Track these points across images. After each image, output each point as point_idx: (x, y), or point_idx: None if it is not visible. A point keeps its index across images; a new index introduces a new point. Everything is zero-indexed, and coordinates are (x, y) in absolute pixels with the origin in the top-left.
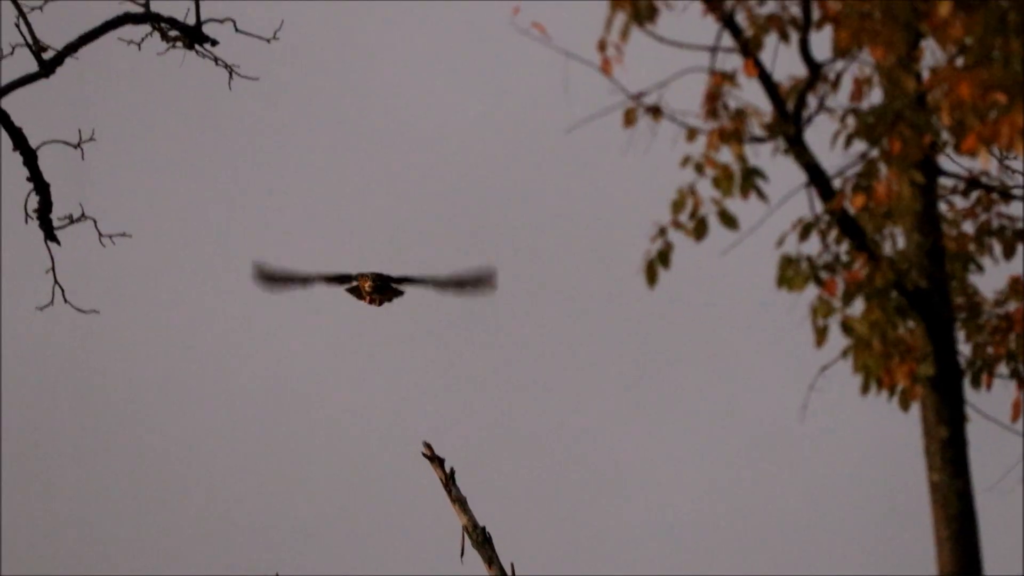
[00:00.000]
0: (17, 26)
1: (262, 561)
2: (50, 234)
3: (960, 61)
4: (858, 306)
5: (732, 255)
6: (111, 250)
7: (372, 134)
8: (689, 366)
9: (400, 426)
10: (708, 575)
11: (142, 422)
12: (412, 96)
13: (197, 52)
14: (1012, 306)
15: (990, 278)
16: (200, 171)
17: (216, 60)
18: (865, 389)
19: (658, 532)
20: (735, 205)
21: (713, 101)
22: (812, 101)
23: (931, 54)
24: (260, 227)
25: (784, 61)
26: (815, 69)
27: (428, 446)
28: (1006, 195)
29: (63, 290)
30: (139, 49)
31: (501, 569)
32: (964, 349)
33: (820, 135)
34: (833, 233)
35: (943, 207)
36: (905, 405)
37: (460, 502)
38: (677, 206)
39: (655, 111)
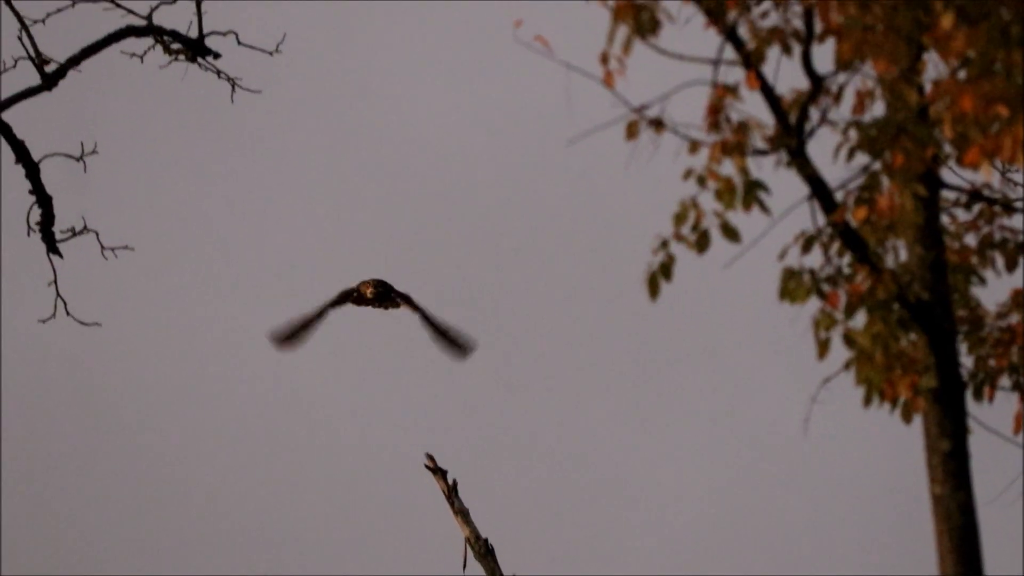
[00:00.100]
0: (19, 39)
1: (264, 573)
2: (52, 247)
3: (962, 74)
4: (860, 319)
5: (734, 268)
6: (113, 263)
7: (374, 146)
8: (692, 379)
9: (402, 438)
10: None
11: (144, 434)
12: (414, 109)
13: (199, 65)
14: (1014, 319)
15: (992, 291)
16: (202, 184)
17: (218, 73)
18: (867, 401)
19: (661, 545)
20: (737, 218)
21: (715, 114)
22: (814, 114)
23: (933, 67)
24: (262, 239)
25: (786, 74)
26: (817, 82)
27: (431, 458)
28: (1008, 208)
29: (65, 303)
30: (141, 62)
31: None
32: (966, 362)
33: (822, 148)
34: (835, 246)
35: (945, 220)
36: (907, 417)
37: (462, 514)
38: (679, 219)
39: (657, 124)
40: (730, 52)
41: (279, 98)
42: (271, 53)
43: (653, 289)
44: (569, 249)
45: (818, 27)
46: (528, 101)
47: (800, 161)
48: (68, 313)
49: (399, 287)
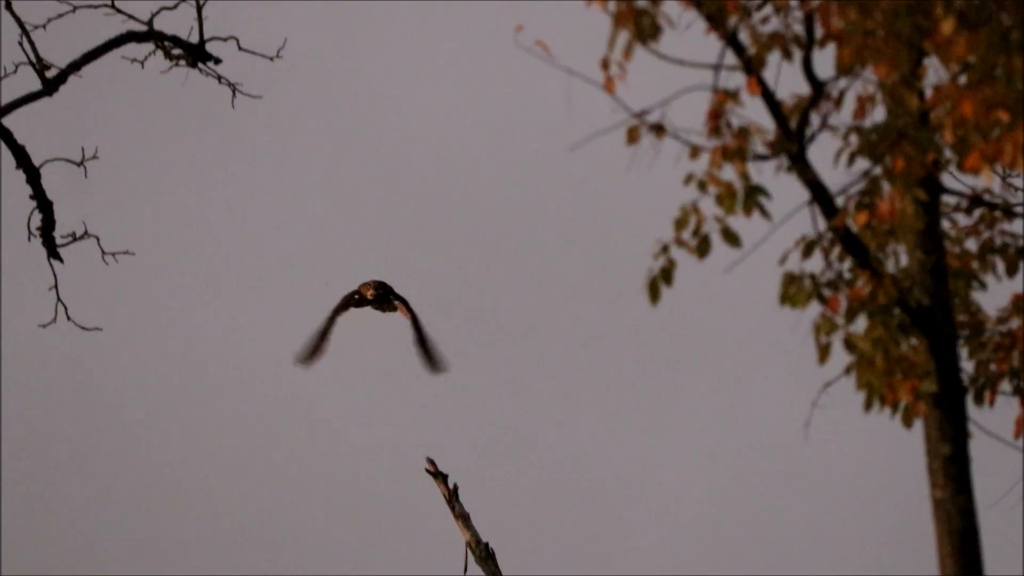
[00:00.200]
0: (20, 44)
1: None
2: (53, 252)
3: (963, 79)
4: (861, 323)
5: (735, 273)
6: (114, 268)
7: (375, 151)
8: (692, 384)
9: (403, 441)
10: None
11: (145, 438)
12: (415, 114)
13: (200, 70)
14: (1015, 323)
15: (993, 296)
16: (203, 189)
17: (219, 78)
18: (868, 406)
19: (662, 549)
20: (738, 223)
21: (716, 119)
22: (815, 119)
23: (934, 72)
24: (263, 244)
25: (787, 79)
26: (818, 87)
27: (431, 462)
28: (1009, 213)
29: (66, 308)
30: (142, 67)
31: None
32: (967, 366)
33: (823, 153)
34: (836, 251)
35: (946, 225)
36: (908, 422)
37: (463, 518)
38: (680, 224)
39: (658, 129)
40: (731, 57)
41: (280, 103)
42: (272, 58)
43: (654, 294)
44: (570, 254)
45: (819, 32)
46: (529, 106)
47: (801, 166)
48: (69, 318)
49: (399, 291)
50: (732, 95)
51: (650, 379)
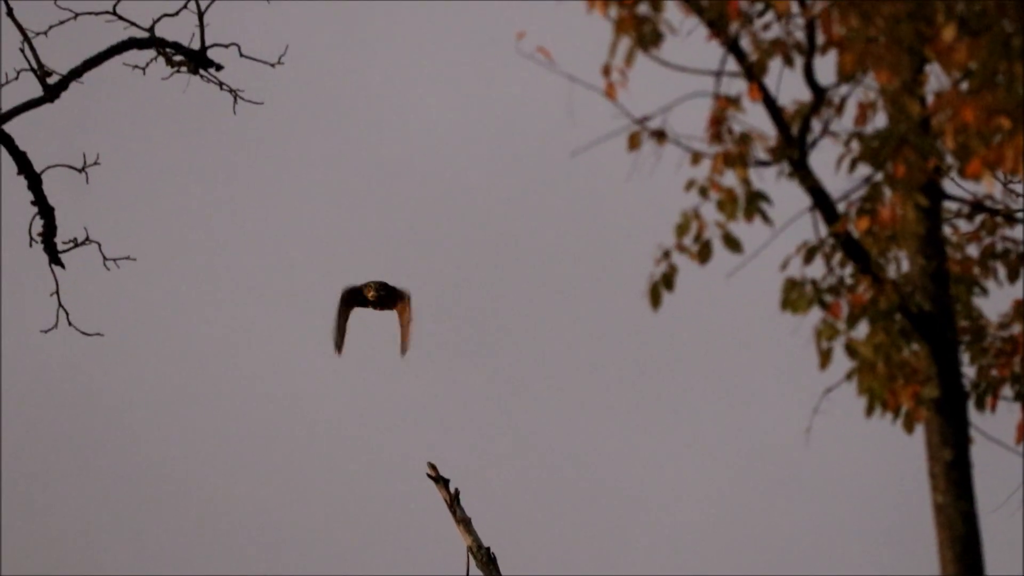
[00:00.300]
0: (22, 51)
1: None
2: (54, 258)
3: (964, 86)
4: (862, 329)
5: (736, 278)
6: (115, 273)
7: (377, 157)
8: (694, 389)
9: (404, 446)
10: None
11: (145, 443)
12: (417, 120)
13: (201, 77)
14: (1016, 329)
15: (994, 301)
16: (204, 195)
17: (221, 85)
18: (869, 411)
19: (664, 555)
20: (739, 229)
21: (717, 125)
22: (816, 125)
23: (935, 78)
24: (264, 250)
25: (788, 85)
26: (819, 93)
27: (433, 467)
28: (1010, 219)
29: (67, 313)
30: (144, 74)
31: None
32: (968, 371)
33: (824, 159)
34: (837, 256)
35: (947, 230)
36: (909, 427)
37: (464, 523)
38: (681, 229)
39: (659, 135)
40: (732, 64)
41: (281, 110)
42: (273, 65)
43: (655, 299)
44: (572, 260)
45: (820, 39)
46: (530, 112)
47: (802, 172)
48: (70, 323)
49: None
50: (733, 101)
51: (652, 384)
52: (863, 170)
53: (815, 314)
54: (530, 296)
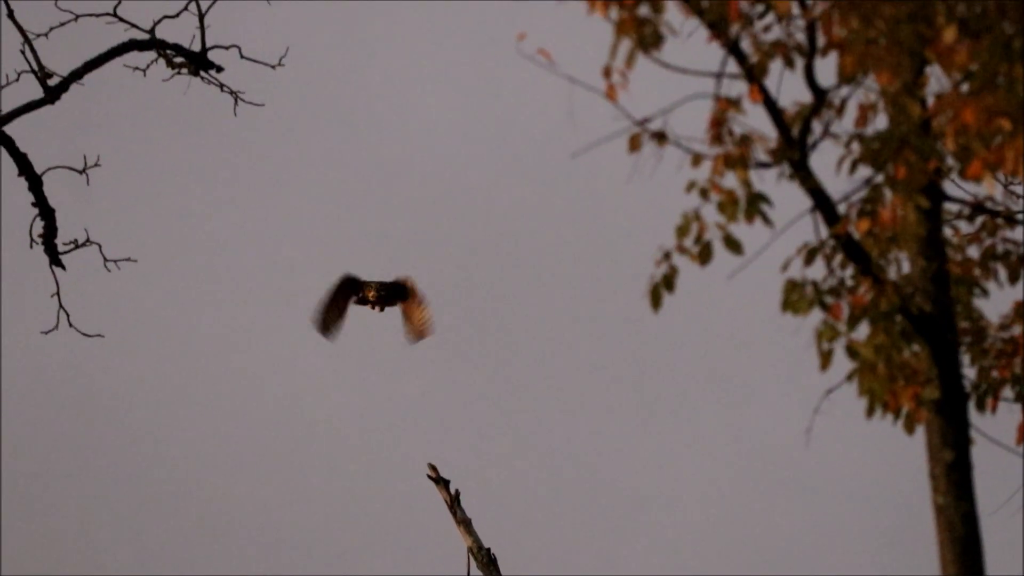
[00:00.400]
0: (22, 52)
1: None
2: (55, 259)
3: (965, 87)
4: (863, 330)
5: (737, 280)
6: (116, 275)
7: (377, 159)
8: (694, 390)
9: (405, 446)
10: None
11: (146, 444)
12: (417, 122)
13: (202, 78)
14: (1017, 330)
15: (995, 302)
16: (205, 196)
17: (221, 86)
18: (870, 412)
19: (664, 556)
20: (740, 230)
21: (718, 127)
22: (817, 127)
23: (936, 80)
24: (265, 251)
25: (789, 87)
26: (820, 95)
27: (433, 467)
28: (1011, 220)
29: (68, 315)
30: (144, 75)
31: None
32: (969, 373)
33: (825, 161)
34: (838, 258)
35: (948, 232)
36: (910, 428)
37: (465, 523)
38: (682, 231)
39: (660, 137)
40: (733, 65)
41: (282, 112)
42: (274, 67)
43: (655, 301)
44: (572, 262)
45: (821, 41)
46: (531, 114)
47: (803, 174)
48: (71, 325)
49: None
50: (734, 103)
51: (652, 385)
52: (864, 172)
53: (816, 315)
54: (531, 297)
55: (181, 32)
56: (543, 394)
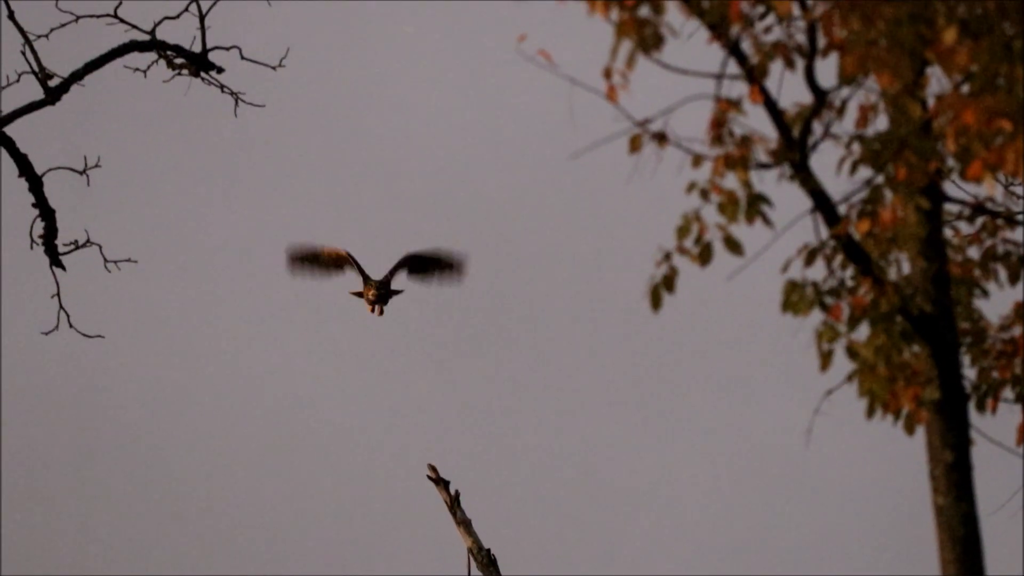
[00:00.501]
0: (23, 53)
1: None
2: (56, 260)
3: (965, 88)
4: (863, 331)
5: (737, 280)
6: (116, 276)
7: (378, 159)
8: (694, 391)
9: (405, 448)
10: None
11: (147, 444)
12: (418, 122)
13: (203, 79)
14: (1017, 331)
15: (995, 303)
16: (205, 197)
17: (222, 87)
18: (870, 413)
19: (664, 555)
20: (740, 231)
21: (718, 127)
22: (817, 128)
23: (937, 81)
24: (265, 252)
25: (790, 88)
26: (821, 96)
27: (433, 468)
28: (1011, 221)
29: (68, 315)
30: (145, 76)
31: None
32: (969, 373)
33: (826, 161)
34: (838, 258)
35: (948, 233)
36: (910, 429)
37: (465, 524)
38: (682, 232)
39: (661, 137)
40: (733, 67)
41: (283, 112)
42: (275, 68)
43: (656, 301)
44: (573, 262)
45: (821, 42)
46: (532, 115)
47: (803, 175)
48: (71, 325)
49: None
50: (734, 104)
51: (652, 386)
52: (864, 172)
53: (816, 316)
54: (531, 298)
55: (182, 33)
56: (543, 394)
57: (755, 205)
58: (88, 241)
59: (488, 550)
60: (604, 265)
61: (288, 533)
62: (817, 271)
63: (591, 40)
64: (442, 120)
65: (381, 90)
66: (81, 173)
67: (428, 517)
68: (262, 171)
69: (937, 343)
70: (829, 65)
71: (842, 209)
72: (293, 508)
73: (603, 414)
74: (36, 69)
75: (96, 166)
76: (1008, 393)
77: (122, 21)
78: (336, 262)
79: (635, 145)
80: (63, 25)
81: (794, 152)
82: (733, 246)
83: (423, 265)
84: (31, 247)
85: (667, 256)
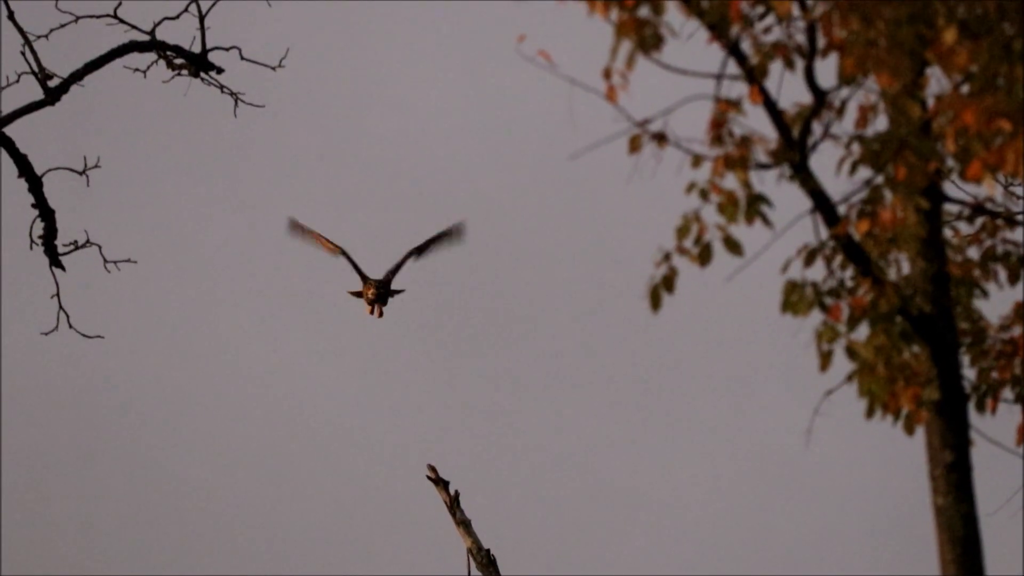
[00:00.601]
0: (23, 54)
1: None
2: (55, 260)
3: (965, 88)
4: (863, 331)
5: (737, 281)
6: (116, 276)
7: (378, 159)
8: (694, 391)
9: (405, 448)
10: None
11: (147, 445)
12: (418, 123)
13: (202, 80)
14: (1016, 331)
15: (995, 304)
16: (205, 197)
17: (221, 88)
18: (870, 413)
19: (663, 556)
20: (740, 231)
21: (718, 128)
22: (817, 128)
23: (936, 82)
24: (265, 252)
25: (789, 88)
26: (820, 96)
27: (433, 468)
28: (1011, 221)
29: (68, 316)
30: (144, 77)
31: None
32: (969, 374)
33: (825, 162)
34: (838, 259)
35: (948, 233)
36: (910, 429)
37: (464, 524)
38: (682, 232)
39: (660, 138)
40: (733, 67)
41: (282, 113)
42: (274, 68)
43: (655, 302)
44: (572, 262)
45: (821, 42)
46: (531, 115)
47: (803, 175)
48: (71, 326)
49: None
50: (734, 104)
51: (652, 387)
52: (864, 173)
53: (816, 316)
54: (531, 298)
55: (181, 34)
56: (543, 395)
57: (755, 205)
58: (88, 241)
59: (488, 550)
60: (604, 265)
61: (288, 533)
62: (817, 271)
63: (591, 40)
64: (442, 120)
65: (381, 90)
66: (81, 173)
67: (428, 517)
68: (262, 171)
69: (937, 343)
70: (829, 65)
71: (842, 209)
72: (293, 508)
73: (603, 414)
74: (36, 69)
75: (96, 166)
76: (1008, 393)
77: (122, 21)
78: (331, 251)
79: (635, 145)
80: (63, 25)
81: (794, 152)
82: (733, 246)
83: (425, 249)
84: (31, 247)
85: (667, 256)
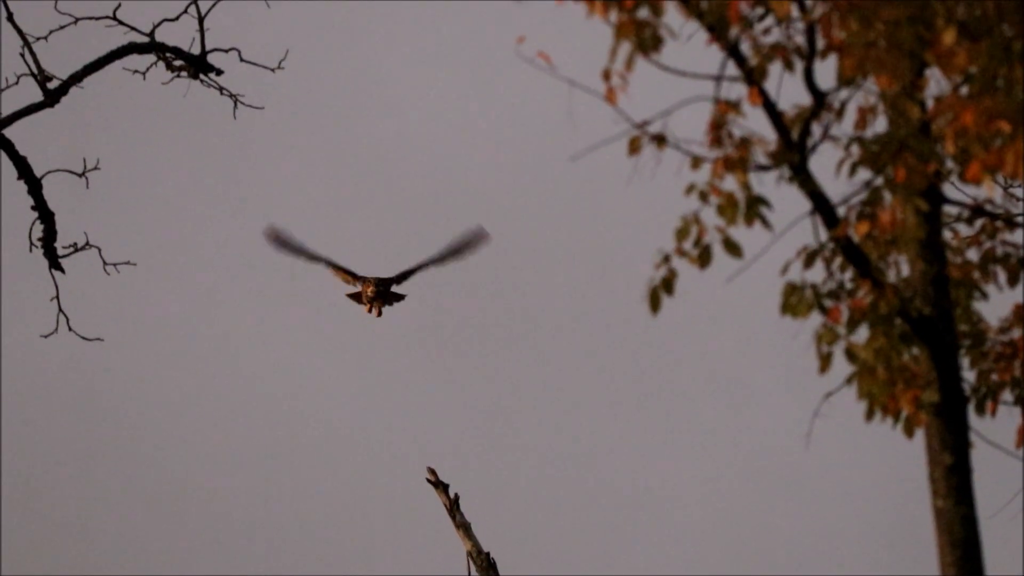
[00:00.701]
0: (22, 55)
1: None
2: (54, 262)
3: (964, 90)
4: (862, 333)
5: (736, 283)
6: (115, 278)
7: (377, 161)
8: (693, 394)
9: (404, 451)
10: None
11: (146, 447)
12: (418, 125)
13: (202, 81)
14: (1016, 333)
15: (994, 305)
16: (204, 199)
17: (221, 89)
18: (869, 416)
19: (664, 559)
20: (739, 233)
21: (717, 129)
22: (816, 129)
23: (935, 83)
24: (265, 255)
25: (789, 90)
26: (820, 98)
27: (432, 471)
28: (1010, 223)
29: (67, 318)
30: (144, 79)
31: None
32: (968, 376)
33: (824, 163)
34: (837, 261)
35: (947, 235)
36: (909, 432)
37: (464, 527)
38: (681, 234)
39: (660, 139)
40: (732, 68)
41: (282, 114)
42: (274, 69)
43: (655, 304)
44: (572, 264)
45: (820, 43)
46: (530, 117)
47: (802, 177)
48: (70, 328)
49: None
50: (733, 106)
51: (651, 389)
52: (863, 174)
53: (815, 318)
54: (531, 300)
55: (181, 35)
56: (543, 396)
57: (754, 207)
58: (87, 244)
59: (488, 553)
60: (603, 267)
61: (288, 535)
62: (816, 273)
63: (590, 42)
64: (442, 121)
65: (381, 91)
66: (80, 175)
67: (427, 520)
68: (261, 173)
69: (936, 345)
70: (828, 67)
71: (841, 211)
72: (293, 510)
73: (603, 416)
74: (35, 71)
75: (95, 168)
76: (1007, 395)
77: (121, 23)
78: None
79: (634, 147)
80: (62, 27)
81: (793, 154)
82: (732, 248)
83: (444, 259)
84: (30, 250)
85: (666, 258)
